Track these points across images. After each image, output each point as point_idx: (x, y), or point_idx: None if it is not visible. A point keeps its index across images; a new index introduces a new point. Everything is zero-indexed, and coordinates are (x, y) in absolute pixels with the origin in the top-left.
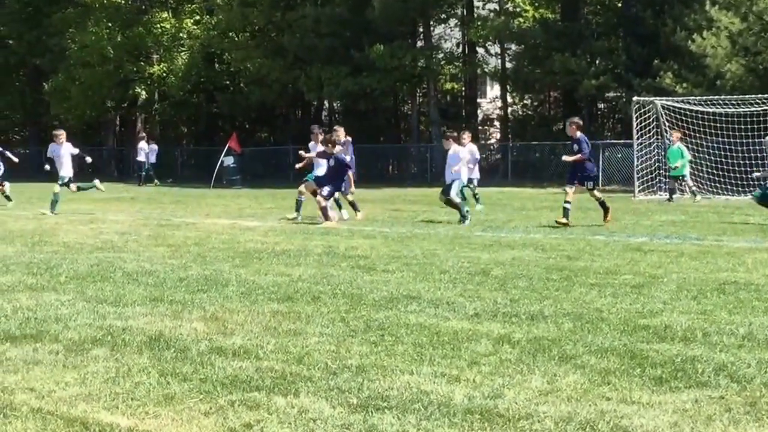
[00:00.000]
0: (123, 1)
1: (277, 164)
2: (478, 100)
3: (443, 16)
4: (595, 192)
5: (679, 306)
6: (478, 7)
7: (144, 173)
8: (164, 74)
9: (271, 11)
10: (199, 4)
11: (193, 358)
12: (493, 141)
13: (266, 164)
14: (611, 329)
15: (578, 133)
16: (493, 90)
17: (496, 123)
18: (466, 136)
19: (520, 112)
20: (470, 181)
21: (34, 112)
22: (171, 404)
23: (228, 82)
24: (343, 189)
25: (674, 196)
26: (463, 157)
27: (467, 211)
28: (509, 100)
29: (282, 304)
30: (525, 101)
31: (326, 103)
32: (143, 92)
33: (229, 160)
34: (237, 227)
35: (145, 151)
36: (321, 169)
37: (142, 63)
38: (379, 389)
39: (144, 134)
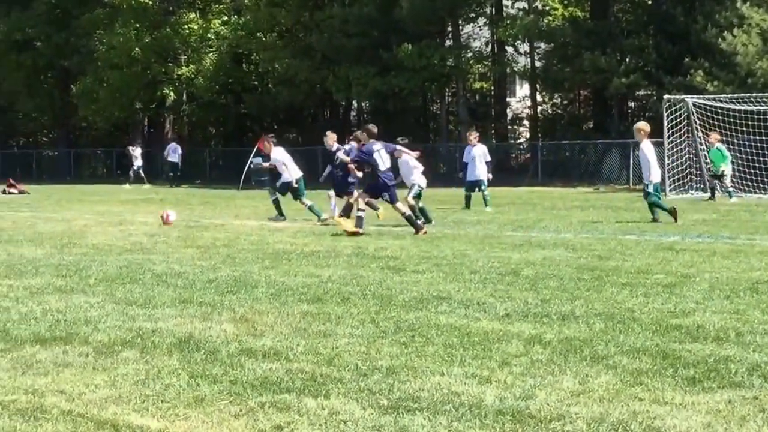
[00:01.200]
0: (150, 2)
1: (305, 165)
2: (507, 99)
3: (472, 15)
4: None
5: (712, 306)
6: (507, 6)
7: (173, 174)
8: (192, 75)
9: (298, 11)
10: (227, 5)
11: (222, 360)
12: (522, 140)
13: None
14: (643, 329)
15: (369, 141)
16: (523, 89)
17: (526, 122)
18: (474, 137)
19: (550, 111)
20: (480, 182)
21: (63, 114)
22: (201, 406)
23: (256, 83)
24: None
25: (718, 193)
26: (413, 165)
27: (421, 219)
28: (539, 99)
29: (312, 306)
30: (554, 100)
31: (354, 103)
32: (171, 93)
33: (257, 161)
34: (266, 228)
35: (179, 152)
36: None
37: (170, 64)
38: (409, 390)
39: (175, 135)
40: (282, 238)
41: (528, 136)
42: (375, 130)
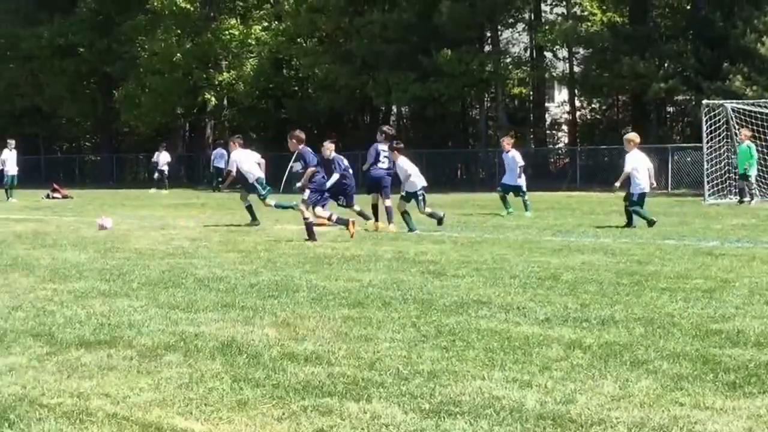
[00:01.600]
0: (192, 9)
1: None
2: (546, 104)
3: (511, 20)
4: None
5: (752, 310)
6: (545, 12)
7: (218, 178)
8: (233, 81)
9: (338, 17)
10: (268, 11)
11: (265, 364)
12: (561, 145)
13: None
14: (683, 334)
15: (300, 147)
16: (561, 94)
17: (564, 127)
18: (507, 142)
19: (588, 116)
20: (518, 188)
21: (105, 119)
22: (244, 410)
23: (296, 88)
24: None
25: (746, 197)
26: (407, 168)
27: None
28: (577, 104)
29: (353, 310)
30: (593, 105)
31: (394, 108)
32: (212, 99)
33: (297, 166)
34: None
35: (225, 158)
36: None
37: (211, 70)
38: (451, 394)
39: (222, 141)
40: (322, 242)
41: (566, 140)
42: (303, 136)
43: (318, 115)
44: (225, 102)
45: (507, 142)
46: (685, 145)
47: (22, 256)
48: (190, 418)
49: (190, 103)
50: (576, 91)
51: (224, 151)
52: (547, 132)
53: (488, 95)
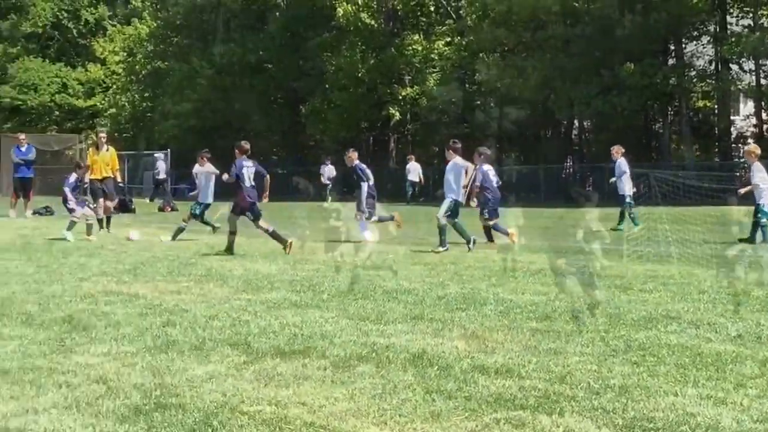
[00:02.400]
0: (376, 25)
1: (528, 183)
2: (732, 118)
3: (695, 33)
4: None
5: None
6: (731, 24)
7: (411, 192)
8: (416, 96)
9: (520, 32)
10: (450, 26)
11: (456, 376)
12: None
13: (518, 183)
14: None
15: (239, 157)
16: (747, 107)
17: (750, 140)
18: (615, 150)
19: None
20: (622, 197)
21: (292, 133)
22: (438, 421)
23: (479, 102)
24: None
25: None
26: (457, 171)
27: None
28: (764, 116)
29: (541, 323)
30: None
31: (576, 122)
32: (396, 113)
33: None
34: (491, 246)
35: (419, 171)
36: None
37: (395, 85)
38: (643, 410)
39: (412, 155)
40: (507, 255)
41: None
42: (247, 146)
43: (500, 129)
44: (408, 116)
45: (616, 150)
46: None
47: (215, 267)
48: (385, 428)
49: (374, 117)
50: (763, 104)
51: (417, 165)
52: (733, 145)
53: (672, 108)
